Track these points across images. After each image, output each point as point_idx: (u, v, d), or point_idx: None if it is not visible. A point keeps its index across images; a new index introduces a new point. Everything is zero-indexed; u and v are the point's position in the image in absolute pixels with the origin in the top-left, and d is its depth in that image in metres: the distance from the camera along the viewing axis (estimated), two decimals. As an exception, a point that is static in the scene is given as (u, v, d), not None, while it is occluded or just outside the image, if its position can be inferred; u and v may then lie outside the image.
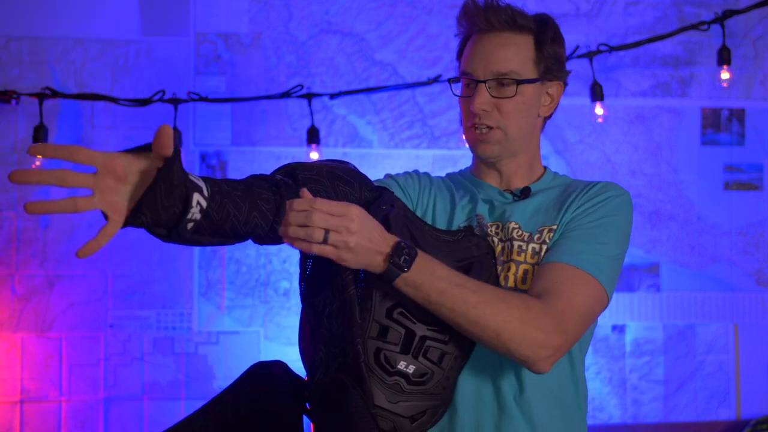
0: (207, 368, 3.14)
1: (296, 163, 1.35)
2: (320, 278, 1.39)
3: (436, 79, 3.13)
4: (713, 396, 3.36)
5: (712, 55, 3.21)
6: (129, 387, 3.10)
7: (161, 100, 3.02)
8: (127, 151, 1.14)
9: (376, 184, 1.53)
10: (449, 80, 1.57)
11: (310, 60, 3.23)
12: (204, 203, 1.16)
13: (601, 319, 1.50)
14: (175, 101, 3.02)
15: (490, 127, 1.49)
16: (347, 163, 1.48)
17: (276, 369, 1.46)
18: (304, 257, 1.43)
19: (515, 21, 1.49)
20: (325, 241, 1.23)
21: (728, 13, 3.02)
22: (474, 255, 1.44)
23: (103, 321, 3.10)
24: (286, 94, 3.11)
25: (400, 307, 1.35)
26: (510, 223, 1.49)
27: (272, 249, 3.17)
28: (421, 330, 1.36)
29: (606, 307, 1.47)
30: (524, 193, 1.53)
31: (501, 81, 1.47)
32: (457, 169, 1.70)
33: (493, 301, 1.32)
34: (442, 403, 1.40)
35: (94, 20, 3.16)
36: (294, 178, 1.31)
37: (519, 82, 1.47)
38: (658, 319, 3.34)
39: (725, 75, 3.07)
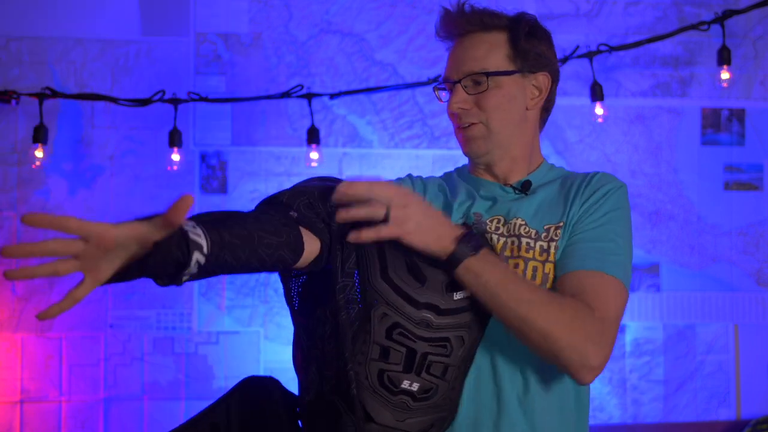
0: (207, 368, 3.14)
1: (289, 192, 1.35)
2: (314, 297, 1.38)
3: (436, 79, 3.13)
4: (713, 396, 3.36)
5: (712, 55, 3.21)
6: (129, 387, 3.10)
7: (161, 100, 3.02)
8: (126, 222, 1.12)
9: None
10: (434, 89, 1.59)
11: (310, 60, 3.23)
12: (203, 260, 1.16)
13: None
14: (175, 101, 3.02)
15: (472, 124, 1.51)
16: (334, 179, 1.47)
17: (268, 383, 1.45)
18: (287, 276, 1.42)
19: (482, 21, 1.52)
20: (386, 220, 1.28)
21: (728, 13, 3.01)
22: None
23: (103, 321, 3.10)
24: (286, 94, 3.11)
25: (399, 327, 1.33)
26: (516, 219, 1.50)
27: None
28: (422, 348, 1.34)
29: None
30: (525, 186, 1.53)
31: (475, 79, 1.50)
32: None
33: (545, 302, 1.33)
34: (448, 413, 1.40)
35: (94, 20, 3.16)
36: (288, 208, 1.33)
37: (488, 75, 1.49)
38: (658, 319, 3.34)
39: (725, 75, 3.07)
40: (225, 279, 3.15)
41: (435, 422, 1.38)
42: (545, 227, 1.48)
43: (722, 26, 3.02)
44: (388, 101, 3.26)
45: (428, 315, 1.34)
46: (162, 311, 3.13)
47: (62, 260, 1.06)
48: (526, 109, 1.54)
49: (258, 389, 1.45)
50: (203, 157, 3.19)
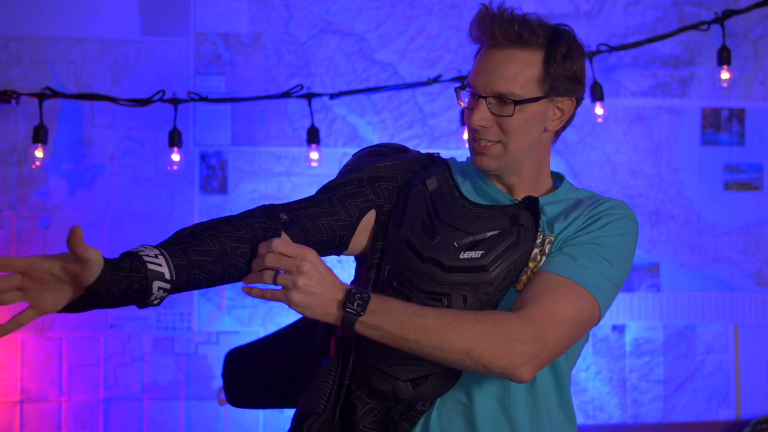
0: (207, 368, 3.14)
1: (331, 185, 1.48)
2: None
3: (436, 79, 3.13)
4: (713, 396, 3.36)
5: (712, 55, 3.21)
6: (129, 387, 3.10)
7: (161, 100, 3.02)
8: (56, 254, 1.20)
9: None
10: (456, 89, 1.54)
11: (310, 60, 3.23)
12: (167, 285, 1.26)
13: (600, 320, 1.48)
14: (175, 101, 3.02)
15: (489, 141, 1.47)
16: (386, 150, 1.57)
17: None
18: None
19: (521, 36, 1.43)
20: (275, 284, 1.28)
21: (728, 13, 3.01)
22: (504, 226, 1.44)
23: (103, 321, 3.10)
24: (286, 94, 3.11)
25: (402, 276, 1.42)
26: None
27: (272, 249, 3.17)
28: (417, 298, 1.40)
29: (597, 322, 1.44)
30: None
31: (501, 99, 1.45)
32: None
33: (455, 323, 1.31)
34: (445, 371, 1.41)
35: (94, 20, 3.16)
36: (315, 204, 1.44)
37: (517, 103, 1.44)
38: (658, 319, 3.34)
39: (725, 75, 3.07)
40: (225, 279, 3.15)
41: (429, 376, 1.41)
42: (545, 238, 1.47)
43: (722, 26, 3.02)
44: (388, 101, 3.26)
45: (432, 269, 1.40)
46: (162, 311, 3.13)
47: (7, 292, 1.16)
48: (545, 130, 1.51)
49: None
50: (203, 157, 3.19)
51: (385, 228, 1.47)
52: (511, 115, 1.44)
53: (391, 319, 1.30)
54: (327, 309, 1.28)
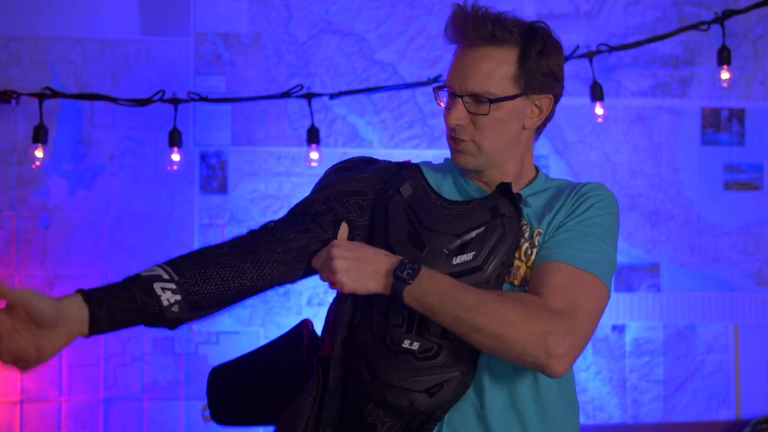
0: (207, 368, 3.12)
1: (302, 204, 1.49)
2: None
3: (436, 79, 3.13)
4: (713, 396, 3.36)
5: (712, 55, 3.21)
6: (129, 387, 3.10)
7: (161, 100, 3.02)
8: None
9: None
10: (434, 89, 1.54)
11: (310, 60, 3.23)
12: (172, 285, 1.31)
13: (601, 319, 1.49)
14: (175, 101, 3.02)
15: (466, 139, 1.48)
16: (353, 164, 1.56)
17: (307, 333, 1.63)
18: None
19: (494, 34, 1.43)
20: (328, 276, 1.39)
21: (728, 13, 3.01)
22: (487, 220, 1.44)
23: (103, 321, 3.10)
24: (286, 94, 3.11)
25: None
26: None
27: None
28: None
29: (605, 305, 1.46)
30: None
31: (476, 98, 1.45)
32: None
33: (492, 303, 1.32)
34: (460, 374, 1.41)
35: (94, 20, 3.16)
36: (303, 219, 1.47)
37: (492, 101, 1.44)
38: (658, 319, 3.34)
39: (725, 75, 3.07)
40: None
41: (444, 382, 1.40)
42: (532, 229, 1.47)
43: (722, 26, 3.02)
44: (388, 101, 3.26)
45: None
46: (162, 311, 3.13)
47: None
48: (523, 128, 1.51)
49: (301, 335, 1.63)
50: (203, 157, 3.19)
51: (368, 243, 1.46)
52: (487, 114, 1.45)
53: (434, 292, 1.33)
54: (378, 279, 1.36)
